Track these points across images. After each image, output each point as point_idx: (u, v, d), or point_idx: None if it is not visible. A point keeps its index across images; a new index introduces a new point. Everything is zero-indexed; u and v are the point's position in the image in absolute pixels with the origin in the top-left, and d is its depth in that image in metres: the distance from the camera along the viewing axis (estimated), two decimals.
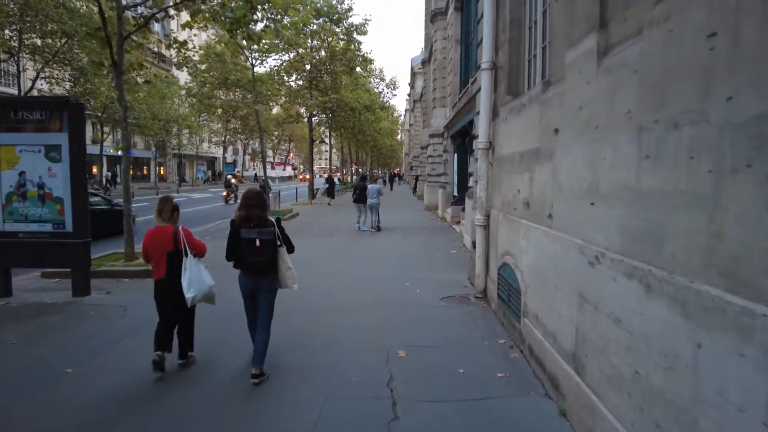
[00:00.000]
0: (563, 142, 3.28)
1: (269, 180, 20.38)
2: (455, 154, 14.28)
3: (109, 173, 40.96)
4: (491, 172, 5.55)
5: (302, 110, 23.62)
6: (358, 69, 24.20)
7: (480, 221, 5.62)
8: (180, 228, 3.77)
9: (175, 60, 15.02)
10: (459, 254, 8.86)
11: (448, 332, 4.60)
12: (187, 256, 3.68)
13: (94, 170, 39.08)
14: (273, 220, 3.73)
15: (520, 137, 4.40)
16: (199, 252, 3.82)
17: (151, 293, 3.79)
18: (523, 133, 4.27)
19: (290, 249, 3.82)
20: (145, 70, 10.28)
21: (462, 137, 13.24)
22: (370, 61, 23.11)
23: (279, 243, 3.70)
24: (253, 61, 16.11)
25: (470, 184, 9.43)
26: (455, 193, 14.25)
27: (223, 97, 17.55)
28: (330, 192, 24.53)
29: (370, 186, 13.25)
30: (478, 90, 6.33)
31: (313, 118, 25.35)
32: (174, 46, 9.08)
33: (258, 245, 3.57)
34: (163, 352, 3.67)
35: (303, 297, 5.78)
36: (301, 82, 21.71)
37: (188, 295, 3.61)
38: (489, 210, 5.60)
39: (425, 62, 26.40)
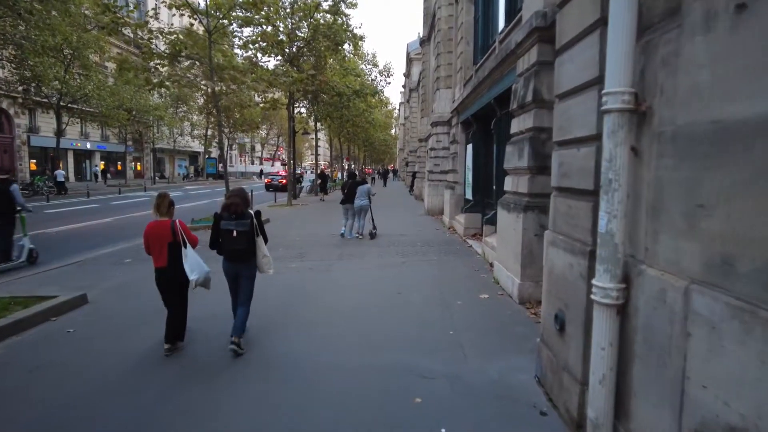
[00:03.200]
0: None
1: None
2: (468, 146, 10.93)
3: (98, 167, 39.03)
4: (645, 173, 2.18)
5: (279, 93, 20.14)
6: (347, 47, 20.74)
7: (609, 294, 2.23)
8: (177, 221, 4.09)
9: (104, 20, 11.50)
10: (496, 302, 5.51)
11: None
12: (186, 246, 4.03)
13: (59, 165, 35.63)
14: (252, 212, 4.11)
15: None
16: (193, 243, 4.14)
17: None
18: None
19: (266, 240, 4.22)
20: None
21: (481, 122, 9.89)
22: (361, 38, 19.60)
23: (257, 233, 4.09)
24: (209, 26, 12.60)
25: (508, 187, 6.10)
26: (468, 196, 10.91)
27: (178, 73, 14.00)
28: (323, 187, 24.12)
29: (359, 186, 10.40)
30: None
31: (294, 106, 21.90)
32: None
33: (235, 235, 3.99)
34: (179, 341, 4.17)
35: None
36: (279, 59, 18.23)
37: (192, 277, 3.96)
38: (635, 269, 2.22)
39: (424, 42, 22.99)
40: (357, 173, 12.32)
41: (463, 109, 11.33)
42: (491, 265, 7.22)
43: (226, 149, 65.18)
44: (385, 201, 23.42)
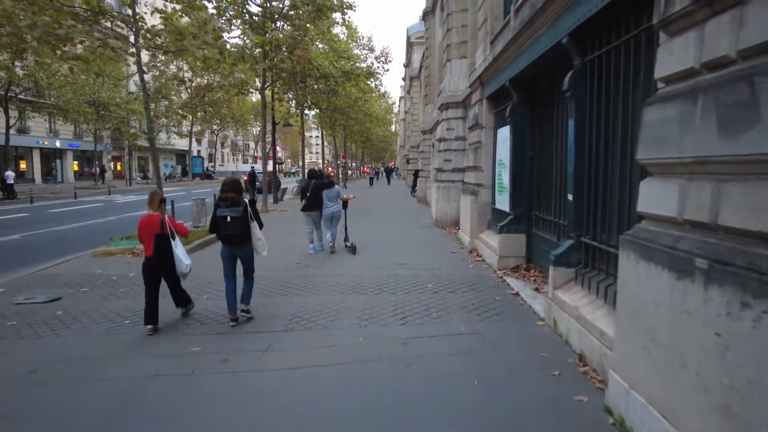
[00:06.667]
0: None
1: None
2: (501, 129, 7.26)
3: (97, 168, 37.13)
4: None
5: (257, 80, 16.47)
6: (338, 21, 17.11)
7: None
8: (165, 216, 4.53)
9: None
10: None
11: None
12: (174, 238, 4.51)
13: (23, 165, 32.16)
14: (246, 200, 4.60)
15: None
16: (183, 234, 4.69)
17: None
18: None
19: (260, 225, 4.70)
20: None
21: (527, 89, 6.23)
22: (349, 6, 15.87)
23: (251, 219, 4.57)
24: None
25: (658, 208, 2.36)
26: (502, 207, 7.25)
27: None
28: None
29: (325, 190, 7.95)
30: None
31: (275, 93, 18.23)
32: None
33: (229, 221, 4.45)
34: (153, 325, 4.42)
35: None
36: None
37: (186, 262, 4.55)
38: None
39: (428, 14, 19.27)
40: (322, 173, 9.18)
41: (490, 77, 7.67)
42: (581, 359, 3.57)
43: (196, 145, 60.18)
44: (384, 203, 19.77)
